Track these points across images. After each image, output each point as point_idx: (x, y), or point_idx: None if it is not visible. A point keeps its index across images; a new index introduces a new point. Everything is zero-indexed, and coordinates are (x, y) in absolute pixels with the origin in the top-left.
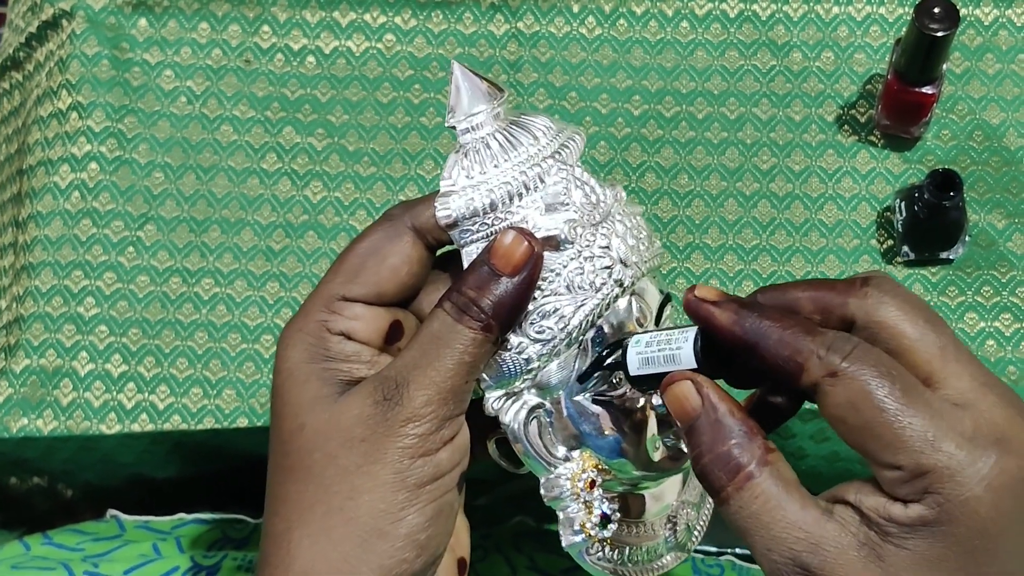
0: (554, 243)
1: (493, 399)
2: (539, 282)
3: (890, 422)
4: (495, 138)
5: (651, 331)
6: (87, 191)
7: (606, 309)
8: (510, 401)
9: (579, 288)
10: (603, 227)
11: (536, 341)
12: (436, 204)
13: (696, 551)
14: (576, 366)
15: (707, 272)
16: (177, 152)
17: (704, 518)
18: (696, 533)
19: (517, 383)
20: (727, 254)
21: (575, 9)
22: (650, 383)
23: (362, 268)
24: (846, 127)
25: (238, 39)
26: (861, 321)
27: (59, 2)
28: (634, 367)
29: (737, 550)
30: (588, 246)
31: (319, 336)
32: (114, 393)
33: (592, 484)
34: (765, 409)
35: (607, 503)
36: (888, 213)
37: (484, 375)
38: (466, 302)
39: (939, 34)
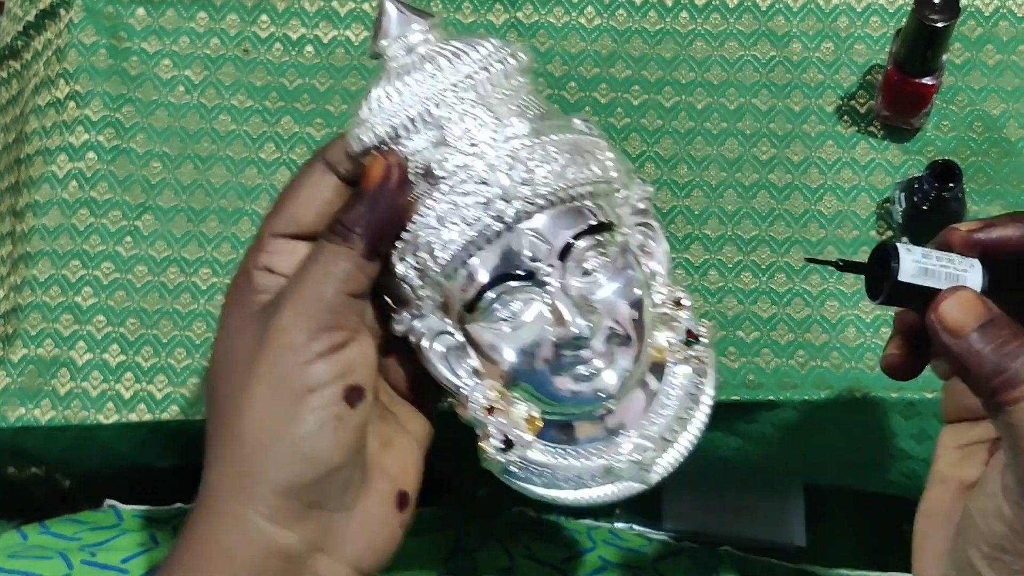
0: (432, 177)
1: (397, 319)
2: (416, 215)
3: None
4: (410, 62)
5: (918, 248)
6: (85, 180)
7: (487, 241)
8: (415, 322)
9: (450, 222)
10: (486, 160)
11: (415, 270)
12: (353, 131)
13: (694, 543)
14: (471, 294)
15: (706, 263)
16: (175, 141)
17: (673, 458)
18: (658, 471)
19: (420, 308)
20: (726, 245)
21: None
22: (909, 297)
23: (281, 203)
24: (846, 118)
25: (236, 28)
26: None
27: None
28: (908, 274)
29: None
30: (463, 180)
31: (246, 271)
32: (112, 383)
33: (491, 409)
34: None
35: (512, 427)
36: (888, 204)
37: (388, 300)
38: (334, 222)
39: (939, 25)
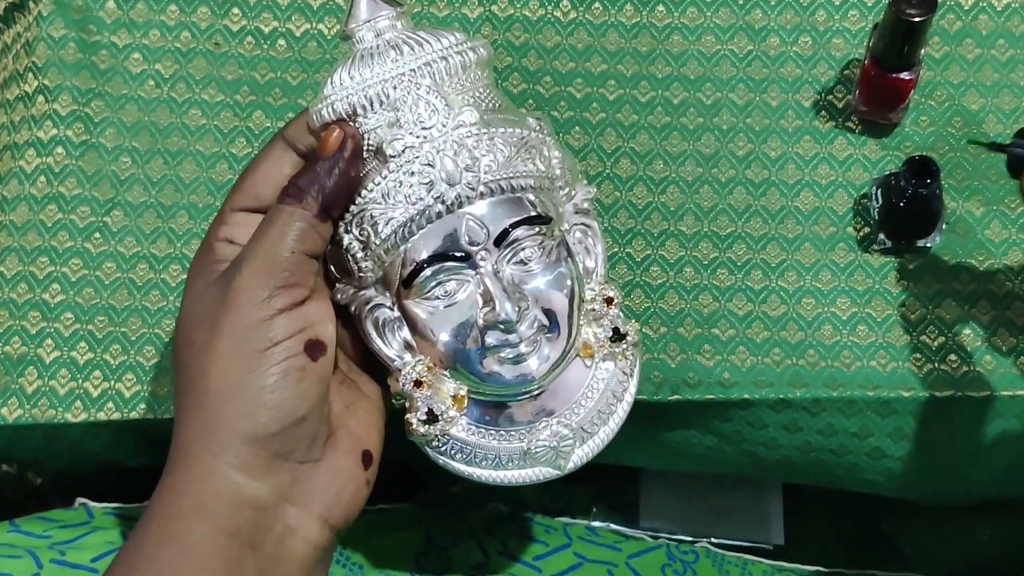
0: (383, 155)
1: (339, 288)
2: (364, 189)
3: None
4: (375, 46)
5: None
6: (53, 176)
7: (427, 221)
8: (353, 291)
9: (394, 199)
10: (434, 144)
11: (358, 241)
12: (316, 108)
13: (670, 539)
14: (409, 270)
15: (681, 260)
16: (145, 136)
17: (589, 450)
18: (575, 461)
19: (361, 280)
20: (702, 241)
21: None
22: None
23: (243, 179)
24: (823, 113)
25: (207, 22)
26: None
27: None
28: None
29: (713, 539)
30: (410, 161)
31: (208, 244)
32: (80, 381)
33: (418, 383)
34: None
35: (438, 402)
36: (865, 200)
37: (333, 269)
38: (289, 185)
39: (916, 19)
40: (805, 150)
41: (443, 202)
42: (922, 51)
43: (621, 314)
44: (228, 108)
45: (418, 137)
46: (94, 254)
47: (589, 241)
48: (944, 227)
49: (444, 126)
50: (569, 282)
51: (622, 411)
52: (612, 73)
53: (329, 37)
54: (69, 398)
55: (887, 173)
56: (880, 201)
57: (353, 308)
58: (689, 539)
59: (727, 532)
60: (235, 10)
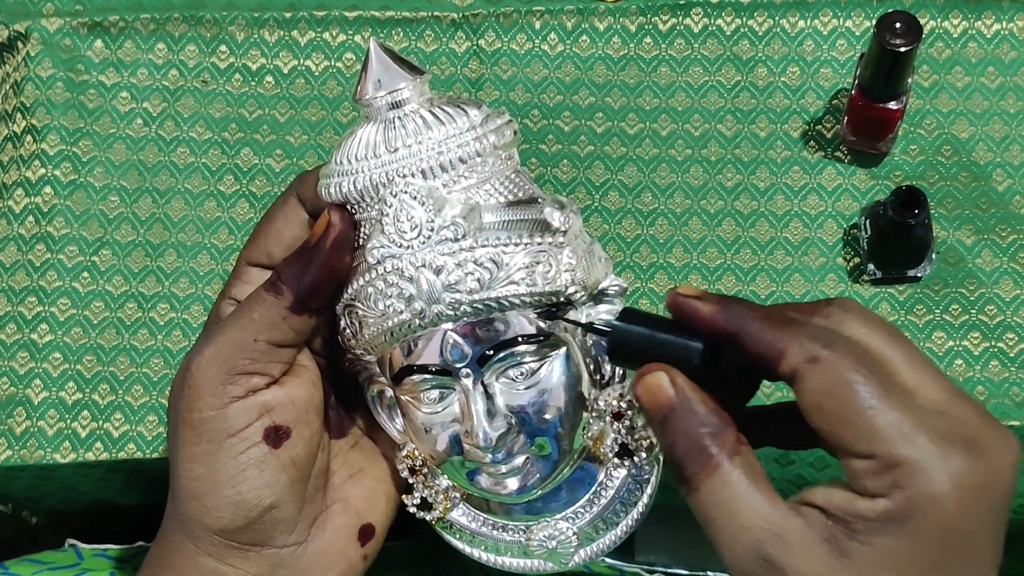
0: (371, 259)
1: (346, 358)
2: (353, 281)
3: (866, 410)
4: (382, 122)
5: (651, 315)
6: (41, 215)
7: (403, 332)
8: (358, 364)
9: (372, 306)
10: (414, 259)
11: (349, 330)
12: (320, 180)
13: (667, 573)
14: (395, 371)
15: None
16: (133, 175)
17: (592, 553)
18: (576, 559)
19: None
20: (691, 273)
21: (537, 26)
22: (635, 360)
23: (257, 234)
24: (812, 143)
25: (195, 59)
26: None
27: (13, 24)
28: (623, 341)
29: (709, 573)
30: (389, 272)
31: (217, 303)
32: (68, 421)
33: (413, 470)
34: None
35: (428, 490)
36: (854, 230)
37: (340, 338)
38: (274, 272)
39: (901, 49)
40: (794, 180)
41: (422, 318)
42: (909, 80)
43: (640, 423)
44: (216, 146)
45: (400, 246)
46: (82, 293)
47: (604, 346)
48: (934, 257)
49: (428, 238)
50: (565, 399)
51: (631, 519)
52: (600, 106)
53: (316, 74)
54: (57, 439)
55: (875, 203)
56: (869, 231)
57: (359, 379)
58: (685, 573)
59: (723, 566)
60: (222, 47)
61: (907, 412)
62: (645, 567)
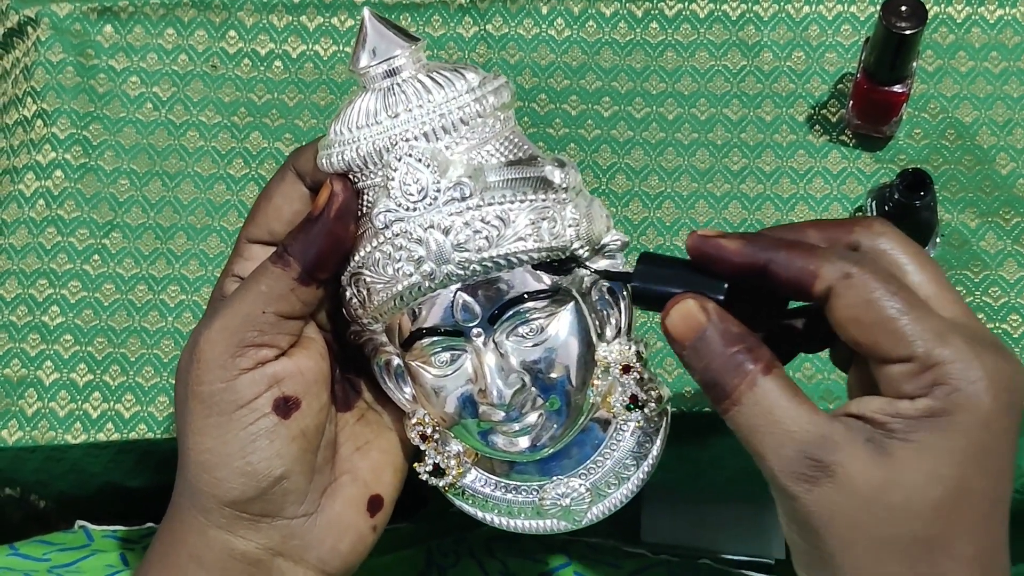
0: (378, 224)
1: (351, 330)
2: (359, 249)
3: (902, 316)
4: (381, 90)
5: (668, 257)
6: (52, 199)
7: (413, 296)
8: (363, 334)
9: (383, 271)
10: (422, 220)
11: (356, 299)
12: (319, 152)
13: (672, 555)
14: (405, 336)
15: None
16: (143, 159)
17: (605, 508)
18: (589, 517)
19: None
20: None
21: (544, 11)
22: (654, 302)
23: (257, 211)
24: (817, 127)
25: (204, 44)
26: (864, 247)
27: (24, 9)
28: (644, 279)
29: (716, 555)
30: (397, 235)
31: (221, 280)
32: (79, 403)
33: (424, 437)
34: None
35: (440, 456)
36: (859, 213)
37: (344, 311)
38: (280, 244)
39: (907, 32)
40: (800, 164)
41: (432, 279)
42: (914, 64)
43: (648, 375)
44: (225, 130)
45: (407, 209)
46: (93, 276)
47: (610, 299)
48: (939, 239)
49: (435, 200)
50: (575, 354)
51: (642, 472)
52: (607, 90)
53: (325, 58)
54: (69, 420)
55: (881, 185)
56: (875, 213)
57: (365, 351)
58: (691, 556)
59: (728, 547)
60: (232, 33)
61: (939, 318)
62: (650, 549)
